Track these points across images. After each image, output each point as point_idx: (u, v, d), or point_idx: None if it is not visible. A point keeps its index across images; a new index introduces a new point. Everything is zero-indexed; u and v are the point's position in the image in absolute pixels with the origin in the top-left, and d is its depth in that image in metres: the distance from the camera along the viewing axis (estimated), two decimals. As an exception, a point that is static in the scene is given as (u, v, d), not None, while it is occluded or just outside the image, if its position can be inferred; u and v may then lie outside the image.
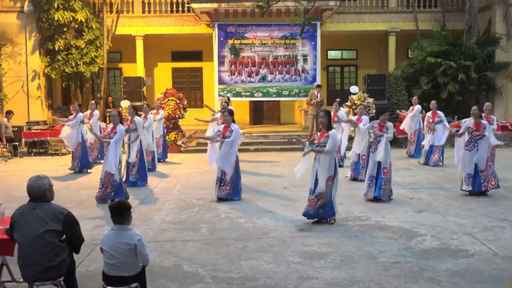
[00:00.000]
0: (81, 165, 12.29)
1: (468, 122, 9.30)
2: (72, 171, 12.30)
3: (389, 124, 9.00)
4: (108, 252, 4.19)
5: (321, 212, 7.36)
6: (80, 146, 12.36)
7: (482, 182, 9.10)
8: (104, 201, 8.70)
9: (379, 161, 8.71)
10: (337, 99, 13.65)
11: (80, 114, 12.58)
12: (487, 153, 9.10)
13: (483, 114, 10.03)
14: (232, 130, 8.89)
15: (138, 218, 7.54)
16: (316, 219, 7.44)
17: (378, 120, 9.14)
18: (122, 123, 9.21)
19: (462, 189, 9.32)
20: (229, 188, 8.95)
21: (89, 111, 13.79)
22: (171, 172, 12.46)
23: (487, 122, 9.30)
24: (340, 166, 11.75)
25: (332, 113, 12.77)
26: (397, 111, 15.72)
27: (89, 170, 12.39)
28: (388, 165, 8.76)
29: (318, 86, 17.08)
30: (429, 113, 13.10)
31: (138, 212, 8.17)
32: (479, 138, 9.08)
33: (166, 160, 14.08)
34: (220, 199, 8.95)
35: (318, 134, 7.58)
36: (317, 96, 16.41)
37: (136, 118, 10.72)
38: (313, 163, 7.48)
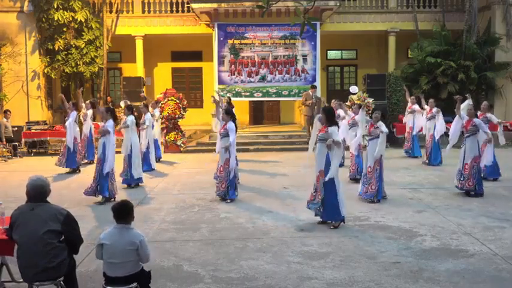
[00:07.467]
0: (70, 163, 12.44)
1: (464, 118, 9.42)
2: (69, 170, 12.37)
3: (380, 123, 8.86)
4: (109, 250, 4.19)
5: (321, 210, 7.37)
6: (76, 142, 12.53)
7: (461, 179, 9.16)
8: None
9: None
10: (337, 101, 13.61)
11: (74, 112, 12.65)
12: (475, 152, 9.10)
13: (479, 112, 10.12)
14: (227, 128, 9.03)
15: (138, 218, 7.45)
16: (322, 220, 7.45)
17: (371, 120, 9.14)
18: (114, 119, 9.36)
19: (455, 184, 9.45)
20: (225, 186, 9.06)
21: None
22: (171, 172, 12.46)
23: (479, 120, 9.31)
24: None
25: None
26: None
27: (69, 170, 12.37)
28: (372, 163, 8.74)
29: (313, 86, 16.98)
30: (426, 108, 13.22)
31: (138, 212, 8.10)
32: (467, 136, 9.20)
33: (161, 159, 14.07)
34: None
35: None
36: (312, 97, 16.21)
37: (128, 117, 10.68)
38: None
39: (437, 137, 12.72)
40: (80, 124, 13.36)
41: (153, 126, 12.96)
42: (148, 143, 12.35)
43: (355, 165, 10.75)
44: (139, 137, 11.39)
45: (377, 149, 8.63)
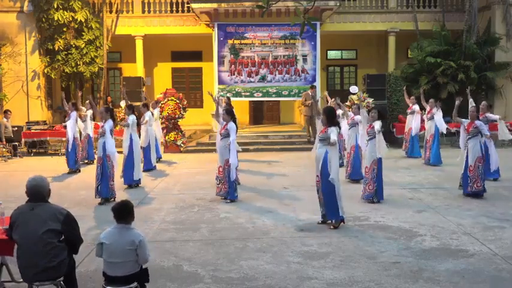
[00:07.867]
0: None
1: (465, 121, 9.40)
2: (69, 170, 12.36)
3: (376, 122, 8.75)
4: (108, 249, 4.20)
5: (323, 210, 7.40)
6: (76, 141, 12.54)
7: (468, 182, 9.07)
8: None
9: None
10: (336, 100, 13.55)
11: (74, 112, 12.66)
12: (478, 153, 9.01)
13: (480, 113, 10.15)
14: (227, 128, 8.95)
15: (138, 218, 7.43)
16: (321, 220, 7.46)
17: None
18: (113, 119, 9.33)
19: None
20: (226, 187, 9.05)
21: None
22: (171, 172, 12.46)
23: (480, 122, 9.27)
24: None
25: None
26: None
27: (69, 170, 12.36)
28: (369, 164, 8.71)
29: (312, 86, 16.98)
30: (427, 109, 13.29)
31: (138, 212, 8.07)
32: (469, 138, 9.13)
33: (161, 159, 14.04)
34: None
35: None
36: (311, 97, 16.17)
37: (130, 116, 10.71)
38: None
39: (443, 131, 12.98)
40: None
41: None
42: (149, 141, 12.35)
43: (350, 165, 10.74)
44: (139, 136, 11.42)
45: (377, 149, 8.63)
